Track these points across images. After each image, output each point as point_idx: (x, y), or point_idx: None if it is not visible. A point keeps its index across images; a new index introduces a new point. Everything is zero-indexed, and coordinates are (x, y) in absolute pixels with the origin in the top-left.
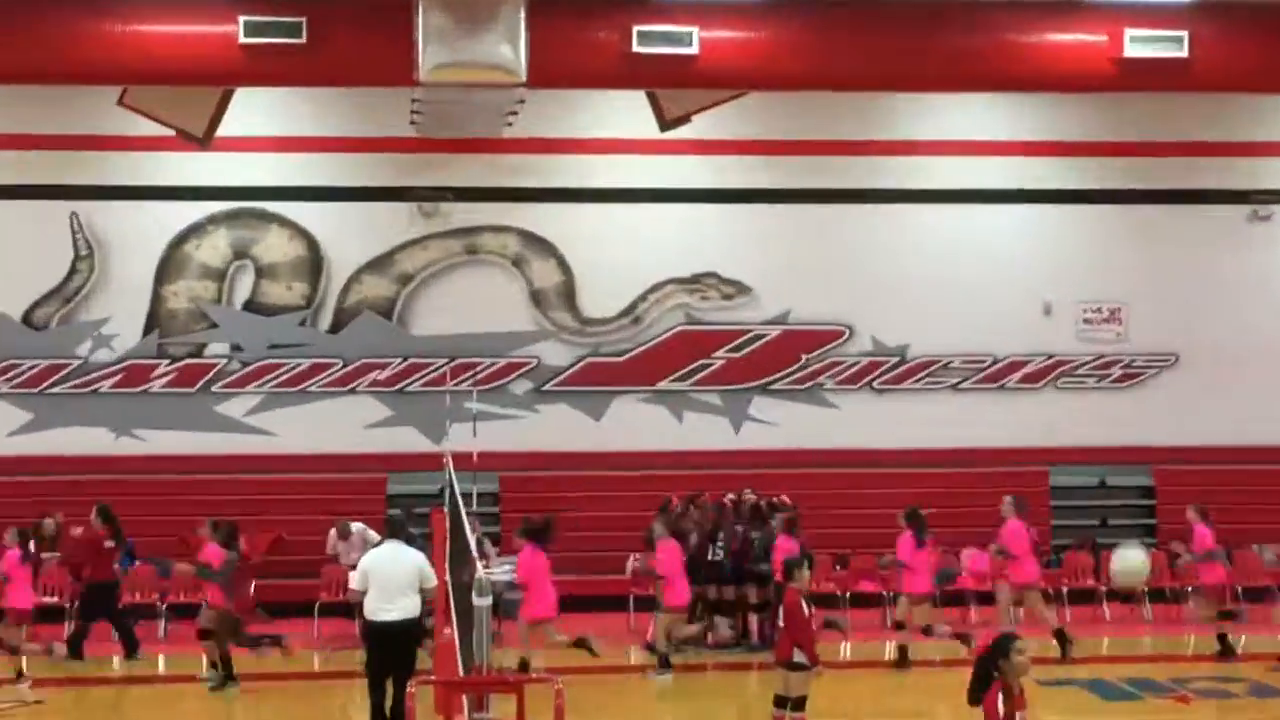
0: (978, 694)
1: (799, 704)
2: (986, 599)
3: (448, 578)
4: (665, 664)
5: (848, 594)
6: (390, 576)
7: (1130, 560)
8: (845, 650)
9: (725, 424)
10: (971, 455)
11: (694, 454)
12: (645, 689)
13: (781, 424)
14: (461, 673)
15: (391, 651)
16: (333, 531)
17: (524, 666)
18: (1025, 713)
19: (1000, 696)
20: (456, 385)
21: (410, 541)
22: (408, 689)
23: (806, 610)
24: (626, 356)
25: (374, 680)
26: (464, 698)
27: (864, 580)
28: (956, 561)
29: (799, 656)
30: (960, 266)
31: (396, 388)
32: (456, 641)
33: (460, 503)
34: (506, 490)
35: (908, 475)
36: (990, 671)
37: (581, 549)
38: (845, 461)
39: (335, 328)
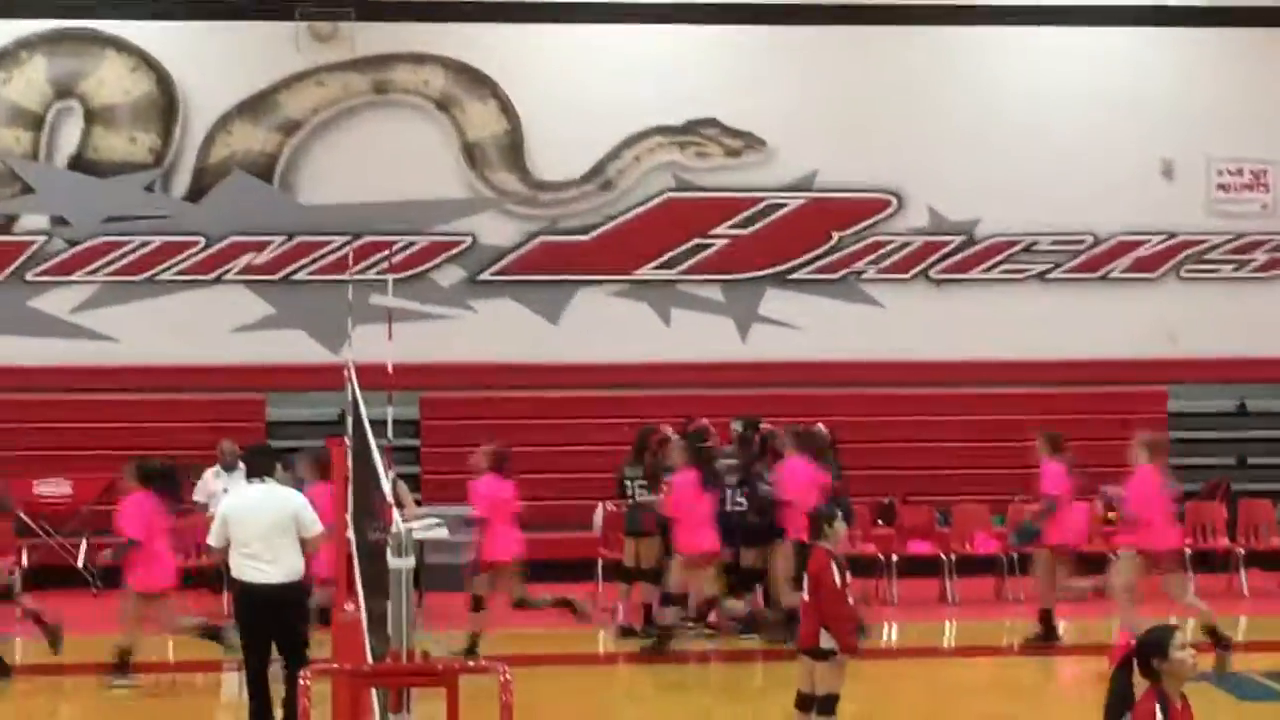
0: (1120, 711)
1: (827, 706)
2: (1084, 564)
3: (350, 534)
4: (661, 642)
5: (893, 558)
6: (259, 525)
7: None
8: (890, 632)
9: (728, 327)
10: (1061, 370)
11: (686, 367)
12: (618, 683)
13: (805, 327)
14: (370, 659)
15: (272, 624)
16: (209, 472)
17: (472, 648)
18: None
19: (1157, 710)
20: (362, 273)
21: (282, 480)
22: (300, 679)
23: (838, 578)
24: (594, 235)
25: (253, 666)
26: (373, 693)
27: (916, 540)
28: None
29: (827, 641)
30: (1048, 111)
31: (279, 276)
32: (363, 618)
33: (368, 433)
34: (430, 416)
35: (974, 398)
36: (1129, 683)
37: (533, 495)
38: (891, 379)
39: (195, 194)
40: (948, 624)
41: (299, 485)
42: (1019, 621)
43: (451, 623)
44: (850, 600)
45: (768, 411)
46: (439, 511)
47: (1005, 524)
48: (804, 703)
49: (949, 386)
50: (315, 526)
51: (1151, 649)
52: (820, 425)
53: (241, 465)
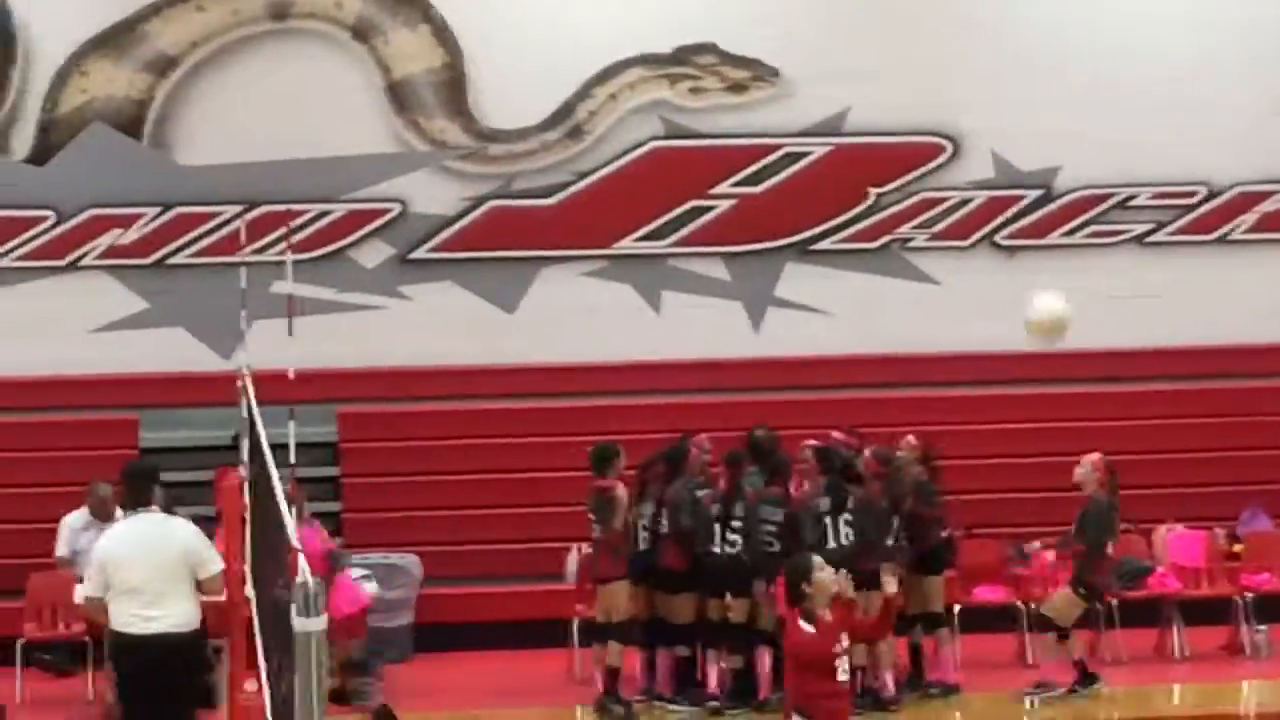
0: None
1: None
2: (1199, 613)
3: (249, 590)
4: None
5: (954, 608)
6: (144, 565)
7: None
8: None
9: (736, 312)
10: (1170, 360)
11: (682, 366)
12: None
13: (835, 311)
14: None
15: (158, 683)
16: (71, 518)
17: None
18: None
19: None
20: (259, 253)
21: (169, 510)
22: None
23: (832, 644)
24: (560, 198)
25: None
26: None
27: (985, 584)
28: (1147, 548)
29: None
30: (1145, 35)
31: (152, 259)
32: (266, 695)
33: (269, 460)
34: (351, 437)
35: (1058, 398)
36: None
37: (486, 537)
38: (947, 376)
39: (40, 156)
40: (1027, 700)
41: None
42: (1119, 689)
43: (390, 702)
44: (837, 673)
45: (787, 421)
46: (366, 561)
47: None
48: None
49: (1025, 385)
50: (214, 564)
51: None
52: (910, 438)
53: (119, 517)
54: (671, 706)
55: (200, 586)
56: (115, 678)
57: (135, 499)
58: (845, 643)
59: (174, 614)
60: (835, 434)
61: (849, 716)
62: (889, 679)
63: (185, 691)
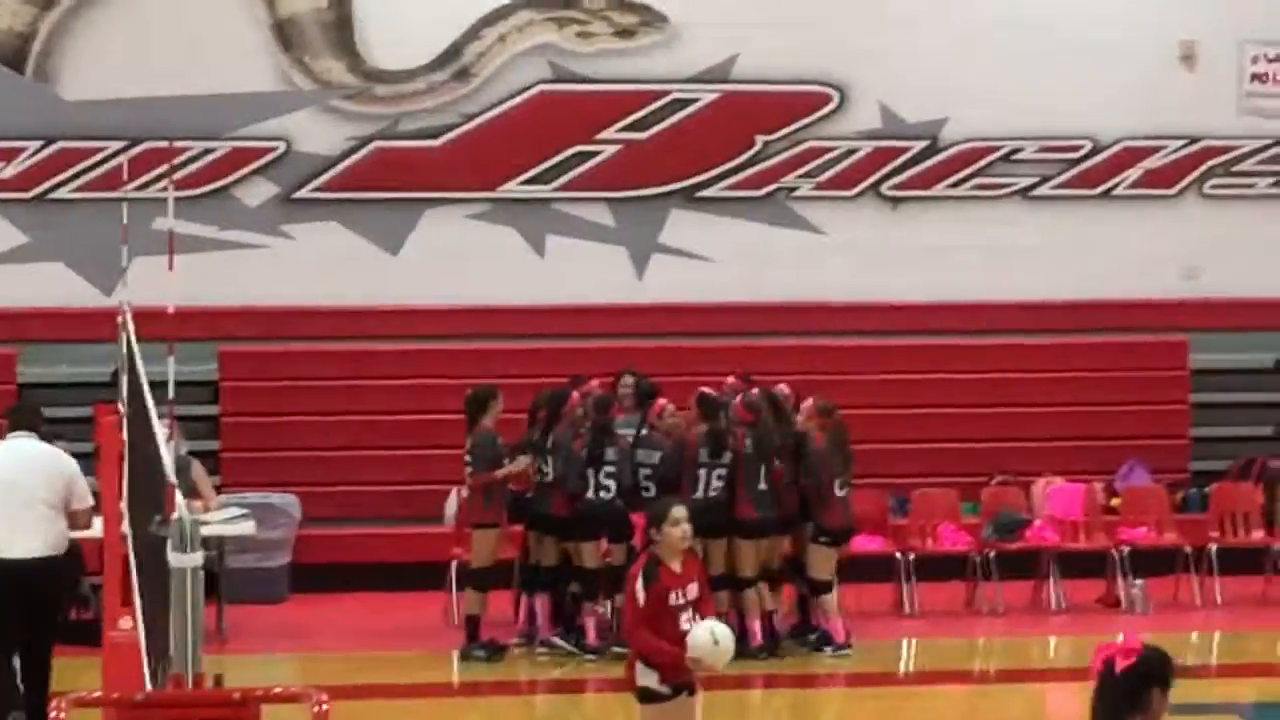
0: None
1: None
2: (1076, 566)
3: (125, 527)
4: None
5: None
6: (15, 488)
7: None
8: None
9: (620, 258)
10: (1050, 315)
11: (565, 312)
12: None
13: (720, 259)
14: (149, 686)
15: (22, 608)
16: None
17: None
18: None
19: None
20: (141, 189)
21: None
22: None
23: (644, 595)
24: (446, 140)
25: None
26: None
27: (864, 534)
28: (1025, 500)
29: (645, 676)
30: None
31: (33, 193)
32: (141, 637)
33: (148, 397)
34: (232, 375)
35: (937, 349)
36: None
37: (365, 478)
38: (830, 326)
39: None
40: (905, 643)
41: None
42: (995, 640)
43: (265, 643)
44: (681, 623)
45: (668, 368)
46: (244, 501)
47: (979, 513)
48: None
49: (905, 336)
50: (86, 497)
51: (1159, 676)
52: (782, 387)
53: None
54: (557, 642)
55: (73, 518)
56: None
57: (21, 424)
58: (692, 593)
59: (45, 538)
60: (730, 379)
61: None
62: (756, 627)
63: (49, 611)
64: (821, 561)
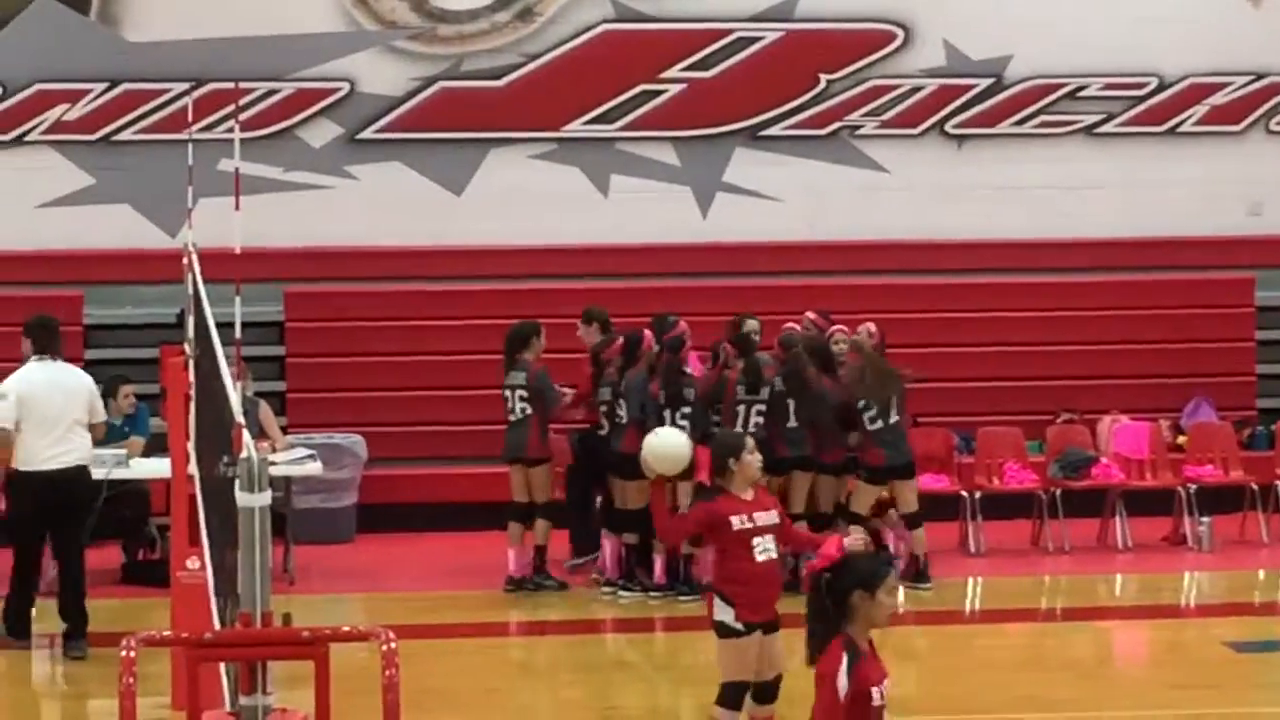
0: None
1: (723, 696)
2: (1142, 504)
3: (192, 468)
4: None
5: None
6: (54, 406)
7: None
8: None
9: (685, 198)
10: (1114, 252)
11: (629, 251)
12: (538, 658)
13: (784, 198)
14: (216, 625)
15: (60, 512)
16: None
17: None
18: None
19: (844, 663)
20: (206, 130)
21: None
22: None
23: (736, 530)
24: (510, 80)
25: (30, 553)
26: (223, 670)
27: (930, 473)
28: (1090, 438)
29: (721, 612)
30: None
31: (99, 135)
32: (209, 578)
33: (214, 338)
34: (297, 317)
35: (1003, 287)
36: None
37: (434, 418)
38: (895, 264)
39: None
40: (971, 581)
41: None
42: (1061, 578)
43: (332, 583)
44: (756, 553)
45: (732, 308)
46: (310, 441)
47: (1045, 452)
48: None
49: (970, 274)
50: (103, 412)
51: (859, 579)
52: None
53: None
54: (621, 593)
55: (93, 431)
56: (20, 509)
57: (42, 346)
58: (763, 520)
59: (79, 451)
60: (809, 314)
61: (773, 600)
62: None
63: (79, 517)
64: (860, 497)
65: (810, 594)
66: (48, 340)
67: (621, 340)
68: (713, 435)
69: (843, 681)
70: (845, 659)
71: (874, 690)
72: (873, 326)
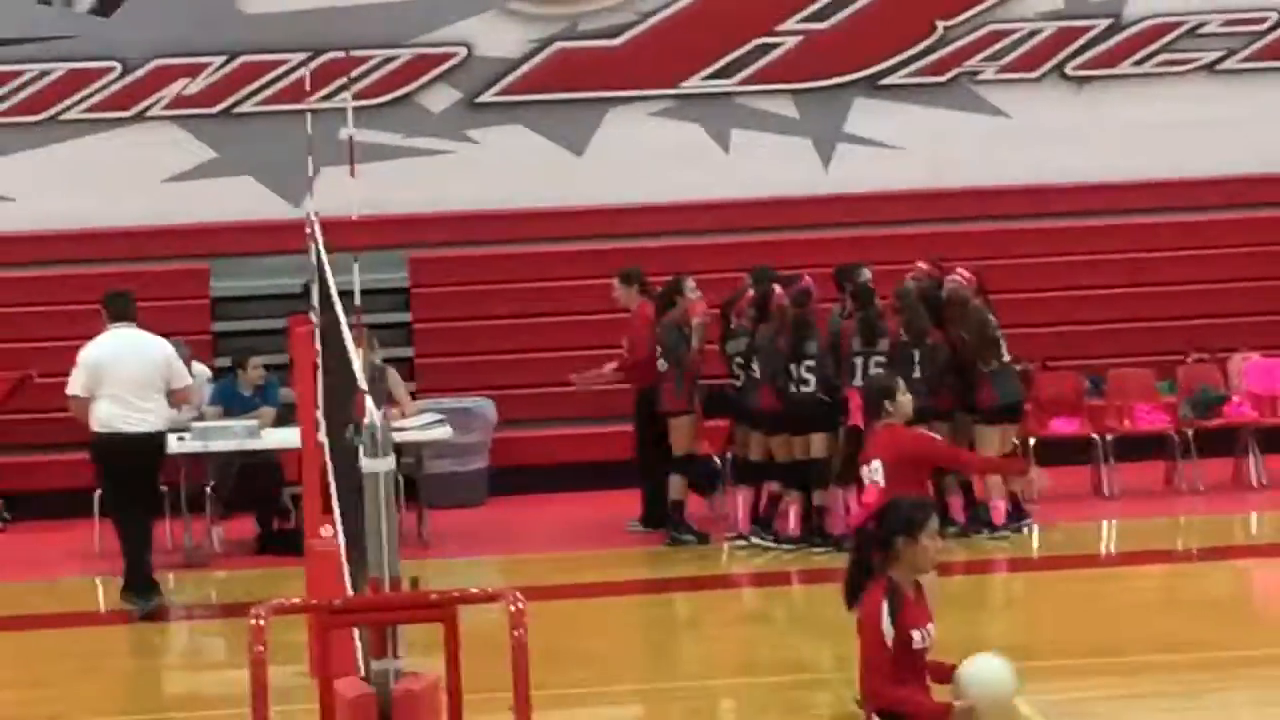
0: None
1: None
2: (1276, 441)
3: (322, 436)
4: None
5: (1029, 440)
6: (132, 372)
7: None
8: (1031, 537)
9: (805, 149)
10: (1240, 189)
11: (751, 205)
12: (673, 615)
13: (905, 146)
14: (350, 591)
15: (138, 476)
16: None
17: None
18: None
19: (884, 606)
20: (325, 99)
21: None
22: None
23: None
24: (627, 38)
25: (126, 515)
26: (355, 634)
27: (1061, 416)
28: (1221, 377)
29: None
30: None
31: (219, 108)
32: (341, 545)
33: (338, 307)
34: (422, 282)
35: (1129, 229)
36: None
37: (559, 379)
38: (1019, 209)
39: (105, 7)
40: (1105, 524)
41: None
42: (1195, 518)
43: (465, 546)
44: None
45: (855, 258)
46: (439, 406)
47: (1176, 391)
48: None
49: (1096, 216)
50: (185, 377)
51: (900, 525)
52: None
53: (194, 372)
54: (755, 541)
55: (174, 395)
56: (101, 471)
57: (118, 315)
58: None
59: (156, 415)
60: (921, 264)
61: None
62: (1001, 507)
63: (154, 479)
64: (982, 440)
65: (854, 542)
66: (123, 309)
67: (751, 294)
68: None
69: (887, 625)
70: (886, 604)
71: (915, 633)
72: (966, 272)
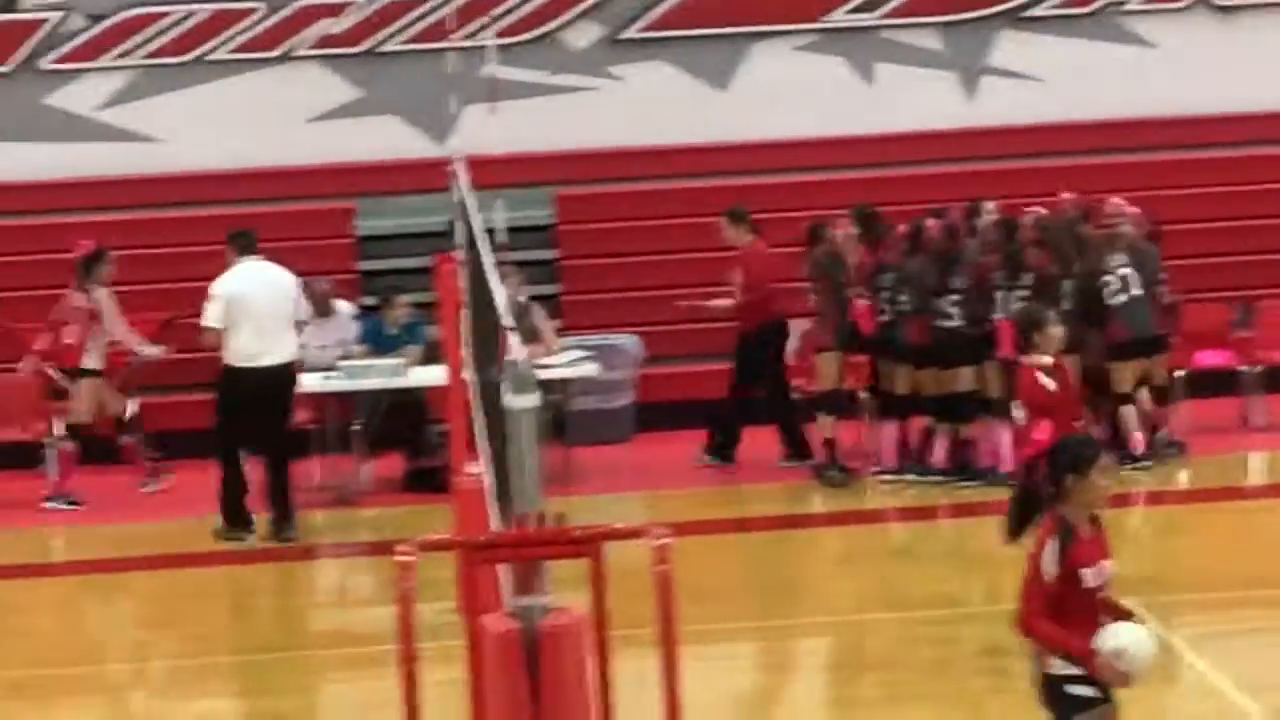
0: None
1: None
2: None
3: (468, 374)
4: None
5: (1176, 372)
6: (268, 306)
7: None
8: (1178, 471)
9: (951, 82)
10: None
11: (896, 139)
12: (825, 549)
13: (1050, 79)
14: (496, 528)
15: (271, 409)
16: None
17: None
18: None
19: (1052, 544)
20: (469, 38)
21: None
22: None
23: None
24: None
25: (238, 444)
26: (500, 571)
27: (1208, 348)
28: None
29: (1064, 668)
30: None
31: (363, 48)
32: (488, 478)
33: (481, 245)
34: (568, 219)
35: (1274, 159)
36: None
37: (704, 317)
38: (1167, 140)
39: None
40: (1252, 456)
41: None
42: None
43: (611, 483)
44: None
45: (1003, 190)
46: (586, 343)
47: None
48: None
49: (1246, 147)
50: (306, 310)
51: (1069, 462)
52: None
53: (338, 310)
54: (904, 476)
55: (298, 327)
56: (227, 399)
57: (244, 249)
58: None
59: (288, 348)
60: (1065, 194)
61: None
62: (1139, 438)
63: (287, 409)
64: (1115, 374)
65: (1021, 477)
66: (248, 244)
67: (902, 229)
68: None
69: (1049, 562)
70: (1055, 541)
71: (1086, 571)
72: (1122, 202)
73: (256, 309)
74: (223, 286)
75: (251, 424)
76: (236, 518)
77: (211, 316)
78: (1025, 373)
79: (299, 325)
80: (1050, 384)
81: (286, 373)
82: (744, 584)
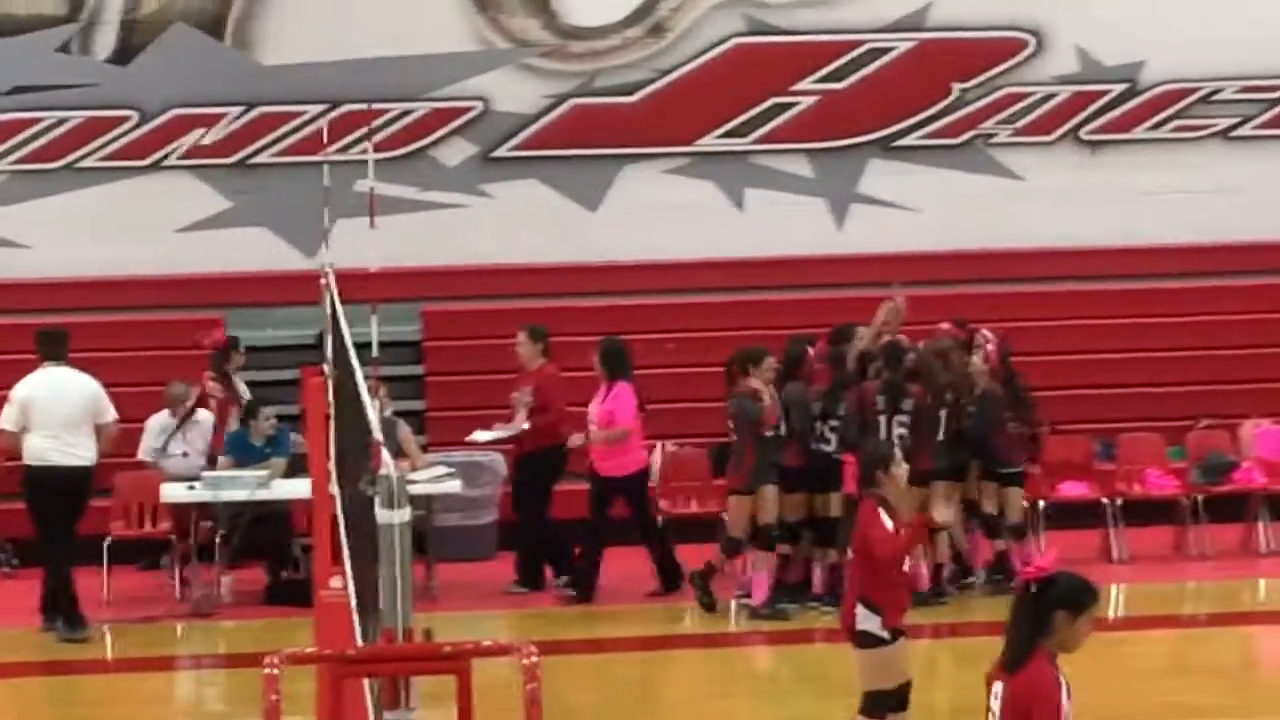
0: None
1: (870, 705)
2: None
3: (334, 487)
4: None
5: (1039, 504)
6: (62, 409)
7: None
8: None
9: (819, 209)
10: (1252, 256)
11: (764, 264)
12: (685, 673)
13: (919, 208)
14: (360, 642)
15: (67, 506)
16: (154, 420)
17: None
18: None
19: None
20: (342, 151)
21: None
22: (268, 667)
23: (891, 535)
24: (642, 95)
25: (54, 546)
26: (366, 685)
27: (1070, 479)
28: (1232, 443)
29: (867, 620)
30: None
31: (236, 158)
32: (351, 595)
33: (353, 358)
34: (435, 335)
35: (1140, 294)
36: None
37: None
38: (1031, 272)
39: (124, 55)
40: (1114, 589)
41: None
42: (1205, 584)
43: (471, 600)
44: (907, 566)
45: (869, 318)
46: (450, 459)
47: (1186, 457)
48: (874, 707)
49: (1108, 281)
50: (110, 413)
51: (1067, 599)
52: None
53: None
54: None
55: (100, 431)
56: (33, 500)
57: (51, 354)
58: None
59: (87, 450)
60: (944, 325)
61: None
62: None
63: (78, 512)
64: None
65: (1017, 600)
66: (54, 349)
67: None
68: (860, 447)
69: (1066, 705)
70: (1064, 682)
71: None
72: (988, 332)
73: (49, 413)
74: (17, 390)
75: (58, 522)
76: (70, 617)
77: (5, 419)
78: (865, 506)
79: (100, 429)
80: (889, 522)
81: (81, 475)
82: (605, 706)
